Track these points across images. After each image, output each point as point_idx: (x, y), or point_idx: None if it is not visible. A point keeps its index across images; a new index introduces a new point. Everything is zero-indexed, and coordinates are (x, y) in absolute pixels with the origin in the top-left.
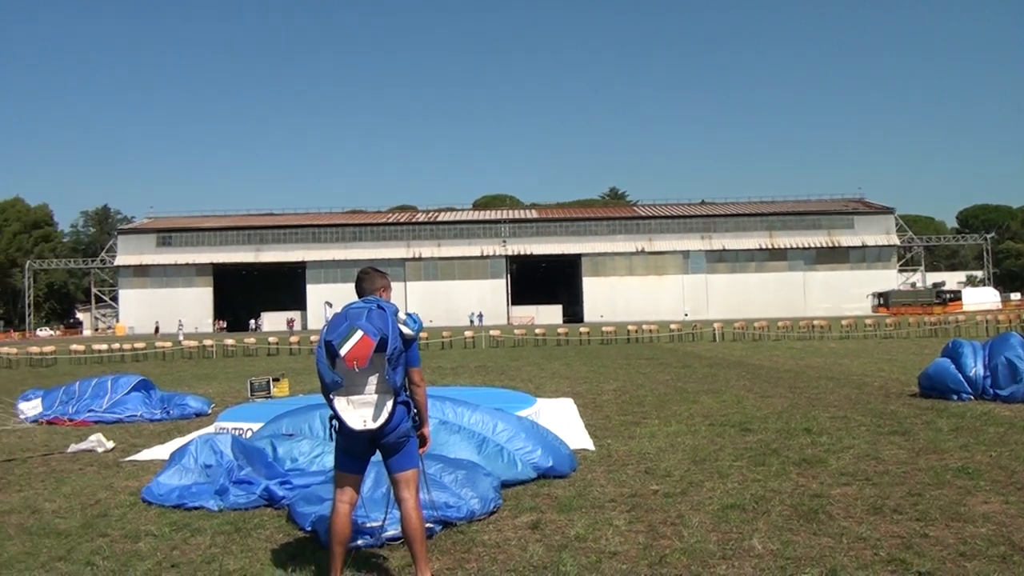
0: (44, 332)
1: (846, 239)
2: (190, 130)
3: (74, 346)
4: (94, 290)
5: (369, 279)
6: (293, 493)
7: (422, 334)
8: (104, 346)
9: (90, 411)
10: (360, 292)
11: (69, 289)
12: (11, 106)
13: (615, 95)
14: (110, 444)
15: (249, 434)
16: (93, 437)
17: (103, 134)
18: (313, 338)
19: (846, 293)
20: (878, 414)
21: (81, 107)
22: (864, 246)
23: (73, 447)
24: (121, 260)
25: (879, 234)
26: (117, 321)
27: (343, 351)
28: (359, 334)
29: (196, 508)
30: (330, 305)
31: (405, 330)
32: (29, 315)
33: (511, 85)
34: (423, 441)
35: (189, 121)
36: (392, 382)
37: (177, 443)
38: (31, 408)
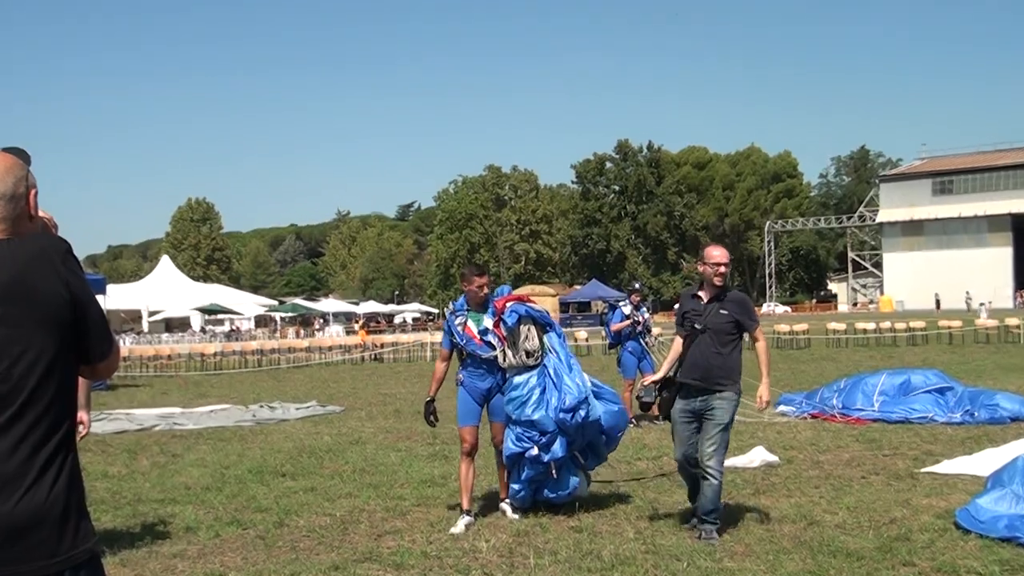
0: (777, 308)
1: None
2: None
3: (831, 324)
4: (851, 255)
5: None
6: None
7: None
8: (870, 325)
9: (857, 407)
10: None
11: (818, 255)
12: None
13: None
14: (773, 458)
15: None
16: (755, 451)
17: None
18: None
19: None
20: None
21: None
22: None
23: (742, 459)
24: (885, 215)
25: None
26: (881, 293)
27: None
28: None
29: None
30: None
31: None
32: (770, 286)
33: None
34: None
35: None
36: None
37: (991, 455)
38: (789, 409)
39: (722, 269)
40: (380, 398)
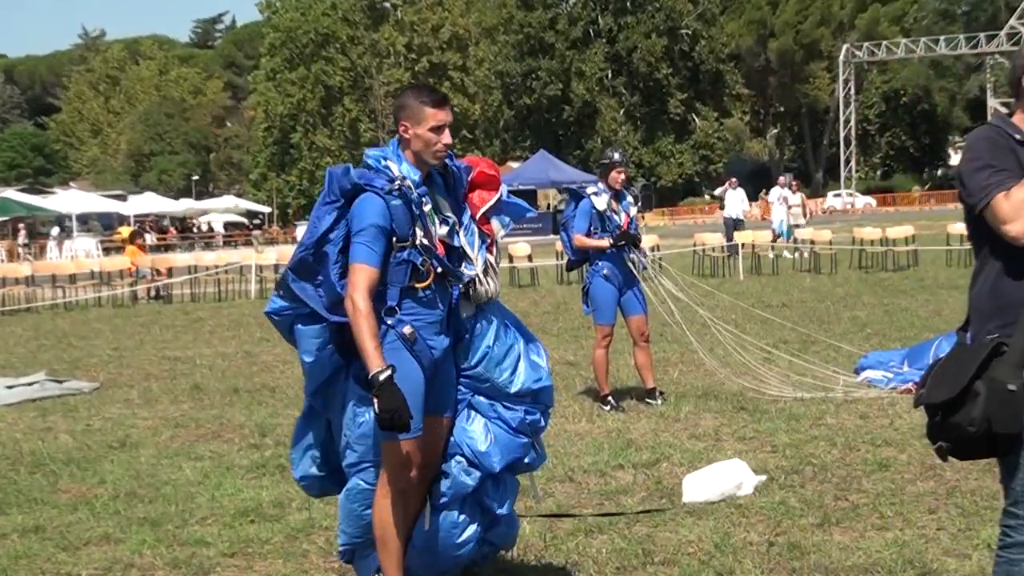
0: (857, 200)
1: None
2: None
3: (954, 228)
4: (992, 103)
5: None
6: None
7: None
8: None
9: None
10: None
11: (934, 104)
12: None
13: None
14: (761, 477)
15: None
16: (728, 468)
17: None
18: None
19: None
20: None
21: None
22: None
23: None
24: None
25: None
26: None
27: None
28: None
29: None
30: None
31: None
32: (846, 160)
33: None
34: None
35: None
36: None
37: None
38: (881, 375)
39: None
40: (166, 366)
